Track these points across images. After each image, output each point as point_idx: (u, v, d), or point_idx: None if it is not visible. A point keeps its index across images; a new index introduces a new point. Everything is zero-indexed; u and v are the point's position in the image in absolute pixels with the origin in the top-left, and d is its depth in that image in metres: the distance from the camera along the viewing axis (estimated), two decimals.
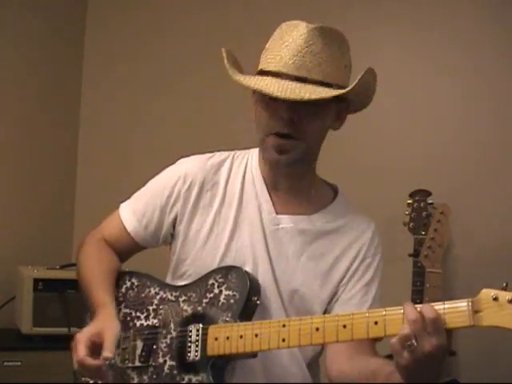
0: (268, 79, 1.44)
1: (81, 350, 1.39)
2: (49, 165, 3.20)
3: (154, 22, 3.30)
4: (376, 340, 1.51)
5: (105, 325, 1.45)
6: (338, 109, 1.53)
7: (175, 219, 1.60)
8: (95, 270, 1.61)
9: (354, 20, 2.79)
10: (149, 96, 3.26)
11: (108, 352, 1.39)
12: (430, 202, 2.36)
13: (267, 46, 1.53)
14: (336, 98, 1.48)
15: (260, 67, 1.51)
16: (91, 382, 1.58)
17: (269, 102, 1.47)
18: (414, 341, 1.16)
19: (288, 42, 1.46)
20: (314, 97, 1.40)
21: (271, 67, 1.46)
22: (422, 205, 2.37)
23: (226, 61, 1.50)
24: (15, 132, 3.03)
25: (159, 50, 3.27)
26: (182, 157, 1.67)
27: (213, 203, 1.58)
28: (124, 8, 3.36)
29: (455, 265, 2.55)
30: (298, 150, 1.47)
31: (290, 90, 1.40)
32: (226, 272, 1.50)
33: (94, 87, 3.35)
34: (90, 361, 1.39)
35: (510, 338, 2.28)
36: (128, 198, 1.70)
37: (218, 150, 1.67)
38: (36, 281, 2.63)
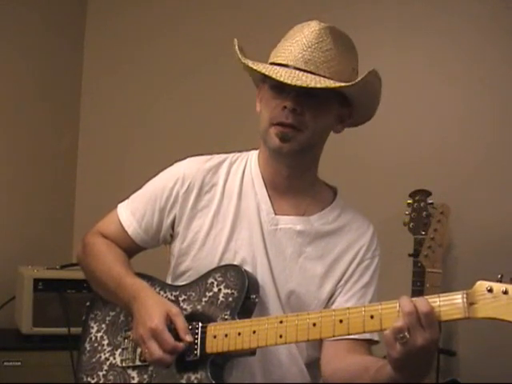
0: (276, 67, 1.46)
1: (170, 337, 1.39)
2: (49, 165, 3.20)
3: (154, 22, 3.30)
4: (371, 343, 1.52)
5: (165, 308, 1.44)
6: (341, 112, 1.54)
7: (174, 220, 1.60)
8: (115, 261, 1.59)
9: (354, 21, 2.78)
10: (148, 97, 3.27)
11: (189, 336, 1.41)
12: (430, 202, 2.36)
13: (278, 44, 1.54)
14: (339, 100, 1.50)
15: (269, 61, 1.52)
16: (92, 382, 1.58)
17: (274, 92, 1.48)
18: (406, 333, 1.16)
19: (299, 38, 1.48)
20: (318, 85, 1.41)
21: (280, 60, 1.47)
22: (422, 205, 2.36)
23: (236, 47, 1.51)
24: (15, 132, 3.03)
25: (159, 50, 3.26)
26: (180, 159, 1.66)
27: (211, 204, 1.58)
28: (124, 8, 3.36)
29: (455, 265, 2.55)
30: (300, 139, 1.47)
31: (297, 78, 1.41)
32: (225, 271, 1.51)
33: (94, 87, 3.35)
34: (183, 346, 1.40)
35: (511, 337, 2.29)
36: (127, 198, 1.69)
37: (217, 153, 1.67)
38: (36, 281, 2.62)
